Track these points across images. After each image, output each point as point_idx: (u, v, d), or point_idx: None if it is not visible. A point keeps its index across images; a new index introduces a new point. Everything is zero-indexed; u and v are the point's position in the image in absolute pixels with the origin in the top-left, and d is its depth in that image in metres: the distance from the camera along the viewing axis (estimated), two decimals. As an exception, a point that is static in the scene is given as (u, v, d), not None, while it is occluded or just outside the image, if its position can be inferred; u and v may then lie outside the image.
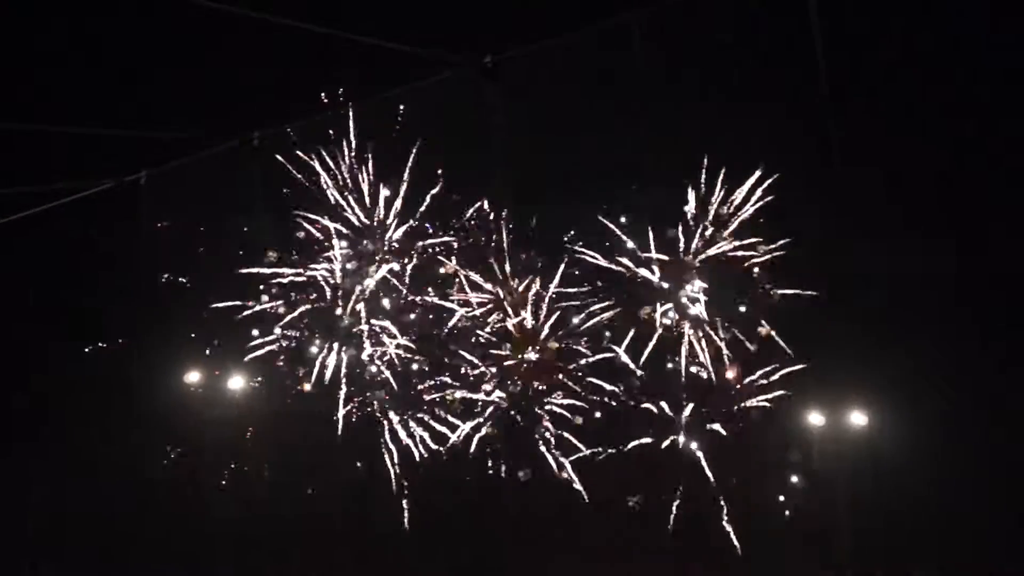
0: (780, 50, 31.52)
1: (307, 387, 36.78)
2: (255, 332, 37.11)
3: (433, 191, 36.73)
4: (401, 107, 34.50)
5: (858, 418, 33.89)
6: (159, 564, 36.55)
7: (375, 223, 36.99)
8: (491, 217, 36.78)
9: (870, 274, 33.05)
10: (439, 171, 36.20)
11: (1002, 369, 32.02)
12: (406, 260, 36.87)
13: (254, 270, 36.58)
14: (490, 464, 36.30)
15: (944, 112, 32.25)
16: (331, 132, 36.27)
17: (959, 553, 31.67)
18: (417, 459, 36.10)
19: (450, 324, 36.74)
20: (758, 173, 35.42)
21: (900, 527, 32.44)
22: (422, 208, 36.87)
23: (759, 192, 35.62)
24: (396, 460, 36.26)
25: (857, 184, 32.55)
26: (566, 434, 35.91)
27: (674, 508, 34.91)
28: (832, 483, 33.43)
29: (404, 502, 36.21)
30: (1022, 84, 31.65)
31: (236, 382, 37.40)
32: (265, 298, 36.56)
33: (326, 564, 35.69)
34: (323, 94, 34.64)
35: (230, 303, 36.72)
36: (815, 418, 34.47)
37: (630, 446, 35.40)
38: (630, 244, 36.30)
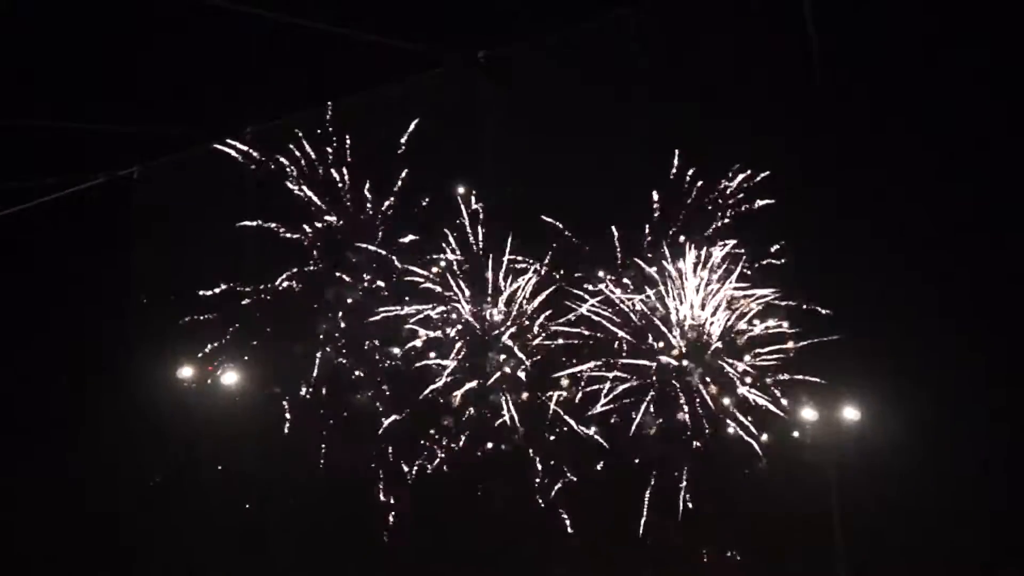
0: (775, 45, 31.35)
1: (284, 399, 36.73)
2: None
3: (422, 203, 36.38)
4: (393, 104, 34.07)
5: (851, 413, 33.72)
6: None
7: (360, 229, 36.71)
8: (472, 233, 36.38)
9: (863, 272, 32.88)
10: (430, 172, 35.79)
11: (998, 364, 31.90)
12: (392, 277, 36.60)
13: (210, 292, 36.59)
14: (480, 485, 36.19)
15: (938, 112, 32.13)
16: (315, 131, 35.90)
17: (954, 553, 31.55)
18: (405, 473, 36.00)
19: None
20: (738, 175, 35.13)
21: (894, 527, 32.32)
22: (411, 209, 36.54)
23: (739, 194, 35.39)
24: (383, 476, 36.19)
25: (850, 182, 32.41)
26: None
27: (642, 519, 34.81)
28: (823, 484, 33.30)
29: (391, 515, 36.18)
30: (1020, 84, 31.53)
31: (229, 377, 37.27)
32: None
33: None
34: (312, 91, 34.32)
35: (205, 316, 36.71)
36: (807, 413, 34.33)
37: (598, 467, 35.28)
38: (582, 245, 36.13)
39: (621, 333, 35.31)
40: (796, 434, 34.32)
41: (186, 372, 38.03)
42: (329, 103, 32.60)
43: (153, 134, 32.48)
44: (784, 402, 34.45)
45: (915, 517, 31.99)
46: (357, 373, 36.60)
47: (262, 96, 34.08)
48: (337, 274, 36.72)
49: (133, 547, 36.48)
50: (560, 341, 35.92)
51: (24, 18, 32.86)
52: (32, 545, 36.54)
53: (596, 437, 34.98)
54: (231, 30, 29.53)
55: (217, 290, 36.44)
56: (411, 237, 36.42)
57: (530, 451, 35.56)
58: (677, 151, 34.51)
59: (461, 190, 36.02)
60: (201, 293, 36.47)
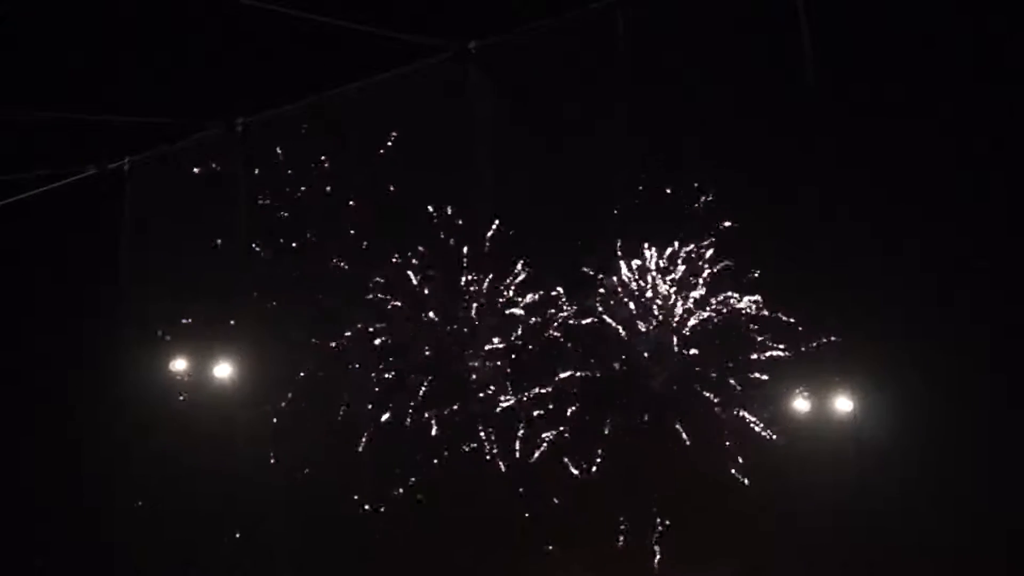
0: (769, 45, 31.10)
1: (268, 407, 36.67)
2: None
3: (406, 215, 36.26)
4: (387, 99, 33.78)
5: (844, 404, 33.43)
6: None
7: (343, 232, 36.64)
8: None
9: (857, 271, 32.62)
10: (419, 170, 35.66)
11: (995, 361, 31.68)
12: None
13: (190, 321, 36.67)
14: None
15: (935, 113, 31.94)
16: (301, 127, 35.78)
17: (949, 552, 31.24)
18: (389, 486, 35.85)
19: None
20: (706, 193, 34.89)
21: (890, 526, 32.00)
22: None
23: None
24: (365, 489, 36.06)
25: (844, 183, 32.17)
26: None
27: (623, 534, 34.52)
28: (818, 482, 32.98)
29: (374, 527, 36.03)
30: (1018, 86, 31.35)
31: (222, 370, 37.21)
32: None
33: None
34: (299, 83, 34.12)
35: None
36: (800, 403, 34.06)
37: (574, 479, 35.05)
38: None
39: (587, 346, 35.22)
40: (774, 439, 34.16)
41: (176, 368, 38.12)
42: (316, 97, 32.49)
43: (144, 125, 32.24)
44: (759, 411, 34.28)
45: (911, 521, 31.72)
46: (337, 386, 36.56)
47: (251, 88, 34.04)
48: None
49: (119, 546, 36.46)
50: (532, 354, 35.83)
51: (15, 8, 32.97)
52: (23, 545, 36.53)
53: (570, 453, 34.88)
54: (219, 19, 29.55)
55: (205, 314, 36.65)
56: (395, 257, 36.39)
57: (505, 465, 35.40)
58: (647, 159, 34.52)
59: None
60: (184, 322, 36.73)
